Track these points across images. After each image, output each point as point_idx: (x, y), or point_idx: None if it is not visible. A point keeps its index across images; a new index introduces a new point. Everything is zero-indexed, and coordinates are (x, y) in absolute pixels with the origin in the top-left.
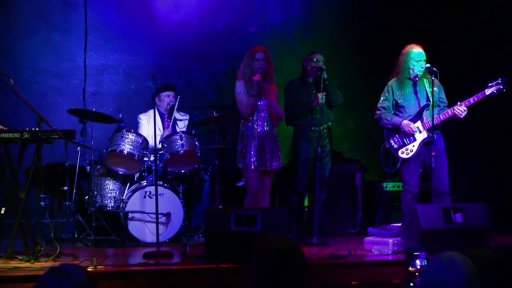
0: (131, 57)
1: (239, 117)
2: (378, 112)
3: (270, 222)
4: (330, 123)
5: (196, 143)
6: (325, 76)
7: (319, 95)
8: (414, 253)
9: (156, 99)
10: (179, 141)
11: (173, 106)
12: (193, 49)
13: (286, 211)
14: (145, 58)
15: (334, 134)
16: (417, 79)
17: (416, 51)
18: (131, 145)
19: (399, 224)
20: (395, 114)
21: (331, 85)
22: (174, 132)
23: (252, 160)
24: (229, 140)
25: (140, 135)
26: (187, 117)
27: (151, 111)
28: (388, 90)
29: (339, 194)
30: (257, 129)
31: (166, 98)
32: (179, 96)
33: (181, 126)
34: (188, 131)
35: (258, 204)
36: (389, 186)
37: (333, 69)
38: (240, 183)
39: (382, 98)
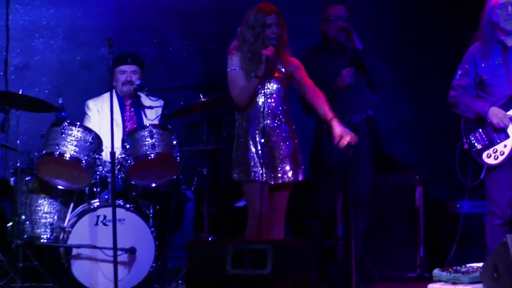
0: (76, 12)
1: None
2: (453, 93)
3: (286, 261)
4: (371, 112)
5: (174, 142)
6: (355, 44)
7: (345, 71)
8: None
9: (114, 78)
10: (149, 139)
11: (139, 86)
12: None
13: (313, 245)
14: (98, 14)
15: (379, 128)
16: (509, 41)
17: None
18: (76, 145)
19: (481, 265)
20: (478, 96)
21: (368, 56)
22: (140, 126)
23: (255, 168)
24: (225, 137)
25: (90, 131)
26: (160, 103)
27: (106, 96)
28: (468, 60)
29: (390, 220)
30: (263, 122)
31: (120, 75)
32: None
33: (152, 116)
34: (162, 124)
35: (268, 235)
36: (468, 206)
37: (375, 27)
38: (240, 203)
39: (459, 72)
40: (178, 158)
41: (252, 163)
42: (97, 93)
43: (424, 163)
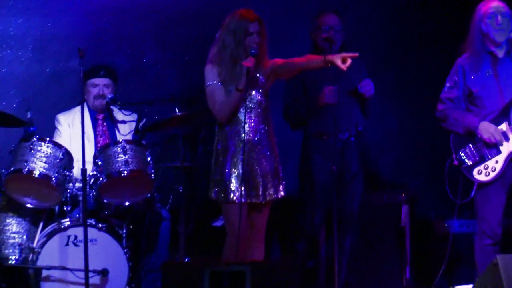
0: (46, 21)
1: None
2: (441, 106)
3: (266, 284)
4: (360, 128)
5: (149, 158)
6: (370, 92)
7: (326, 90)
8: None
9: (85, 91)
10: (122, 155)
11: (112, 99)
12: (145, 6)
13: (293, 266)
14: (69, 22)
15: (367, 142)
16: (499, 52)
17: (489, 5)
18: (45, 162)
19: (470, 286)
20: (467, 109)
21: (374, 103)
22: (113, 141)
23: (233, 186)
24: (201, 153)
25: (60, 147)
26: (134, 117)
27: (77, 109)
28: (457, 71)
29: (375, 239)
30: (243, 137)
31: (92, 89)
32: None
33: (125, 131)
34: (135, 140)
35: (247, 255)
36: (457, 225)
37: (362, 37)
38: (218, 223)
39: (447, 85)
40: (152, 175)
41: (231, 183)
42: (67, 107)
43: (411, 180)
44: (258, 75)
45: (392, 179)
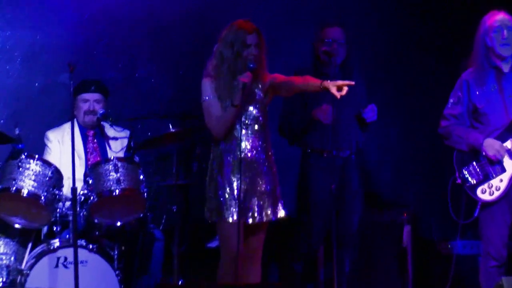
0: (35, 33)
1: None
2: (444, 123)
3: None
4: (360, 145)
5: (141, 177)
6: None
7: (324, 107)
8: None
9: (75, 106)
10: (113, 173)
11: (103, 115)
12: (138, 16)
13: None
14: (58, 35)
15: (367, 159)
16: (504, 66)
17: (494, 18)
18: (34, 180)
19: None
20: (472, 126)
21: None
22: (104, 159)
23: (229, 206)
24: (196, 171)
25: (50, 165)
26: (126, 133)
27: (67, 126)
28: (461, 87)
29: (375, 260)
30: (239, 154)
31: (82, 104)
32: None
33: (117, 148)
34: (127, 158)
35: (243, 278)
36: (460, 246)
37: (362, 49)
38: (213, 243)
39: (451, 101)
40: (145, 194)
41: (226, 202)
42: (57, 123)
43: (413, 198)
44: (256, 90)
45: (393, 197)
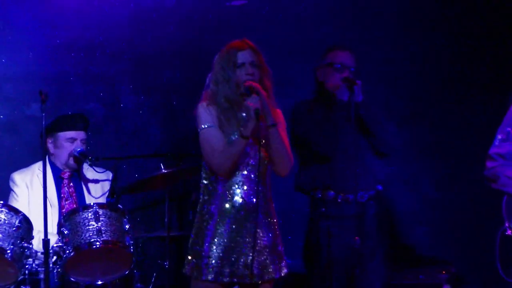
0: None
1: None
2: (491, 164)
3: None
4: (380, 187)
5: (127, 227)
6: (358, 98)
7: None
8: None
9: (49, 143)
10: (93, 223)
11: (81, 153)
12: (122, 38)
13: None
14: (27, 60)
15: (393, 209)
16: None
17: None
18: None
19: None
20: None
21: (367, 111)
22: (82, 206)
23: (212, 262)
24: (191, 221)
25: (17, 212)
26: (108, 175)
27: (37, 167)
28: (510, 121)
29: None
30: (231, 198)
31: (68, 144)
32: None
33: (97, 193)
34: (110, 204)
35: None
36: None
37: (388, 77)
38: None
39: (499, 137)
40: (131, 247)
41: (210, 257)
42: (25, 163)
43: (453, 255)
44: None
45: (429, 253)
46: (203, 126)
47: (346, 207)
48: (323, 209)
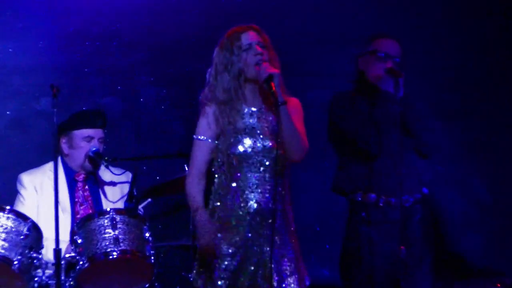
0: (6, 47)
1: None
2: None
3: None
4: (426, 191)
5: (147, 235)
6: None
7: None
8: None
9: (63, 143)
10: (110, 231)
11: (96, 153)
12: (141, 25)
13: None
14: (37, 50)
15: (441, 214)
16: None
17: None
18: (5, 239)
19: None
20: None
21: (409, 108)
22: (98, 211)
23: (220, 272)
24: None
25: (25, 219)
26: (127, 177)
27: (47, 168)
28: None
29: None
30: (250, 204)
31: (85, 143)
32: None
33: (114, 198)
34: (129, 209)
35: None
36: None
37: (436, 75)
38: None
39: None
40: (152, 258)
41: (220, 269)
42: (35, 163)
43: (508, 265)
44: (269, 112)
45: (481, 263)
46: (197, 136)
47: (389, 211)
48: (364, 213)
